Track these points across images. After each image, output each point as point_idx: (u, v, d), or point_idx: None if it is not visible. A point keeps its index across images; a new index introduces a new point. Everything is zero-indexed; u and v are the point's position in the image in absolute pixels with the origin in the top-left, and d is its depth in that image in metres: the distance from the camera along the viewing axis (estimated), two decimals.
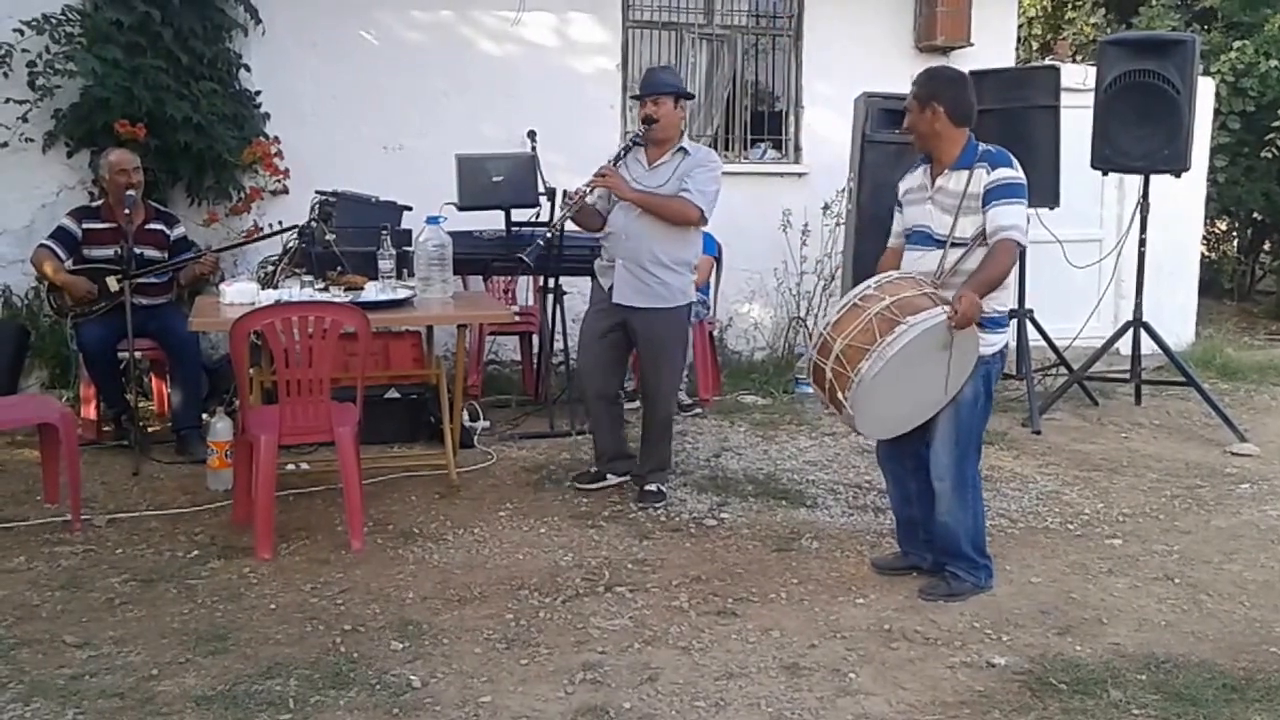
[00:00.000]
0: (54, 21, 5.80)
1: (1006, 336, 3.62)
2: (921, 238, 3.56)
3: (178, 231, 5.41)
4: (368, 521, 4.14)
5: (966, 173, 3.45)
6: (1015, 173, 3.44)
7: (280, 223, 5.51)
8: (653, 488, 4.54)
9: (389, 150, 6.63)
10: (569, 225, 4.61)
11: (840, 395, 3.32)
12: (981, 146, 3.51)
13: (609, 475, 4.71)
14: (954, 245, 3.45)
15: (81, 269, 5.11)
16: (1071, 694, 2.96)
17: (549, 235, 4.73)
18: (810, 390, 6.30)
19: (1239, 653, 3.23)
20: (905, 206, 3.66)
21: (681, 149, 4.42)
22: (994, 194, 3.40)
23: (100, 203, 5.31)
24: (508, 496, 4.62)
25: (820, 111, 7.48)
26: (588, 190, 4.39)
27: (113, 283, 5.05)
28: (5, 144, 5.89)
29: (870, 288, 3.35)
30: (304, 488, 4.64)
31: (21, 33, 5.74)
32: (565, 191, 4.69)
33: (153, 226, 5.28)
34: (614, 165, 4.42)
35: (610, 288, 4.48)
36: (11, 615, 3.36)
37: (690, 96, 4.50)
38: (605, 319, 4.54)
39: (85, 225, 5.18)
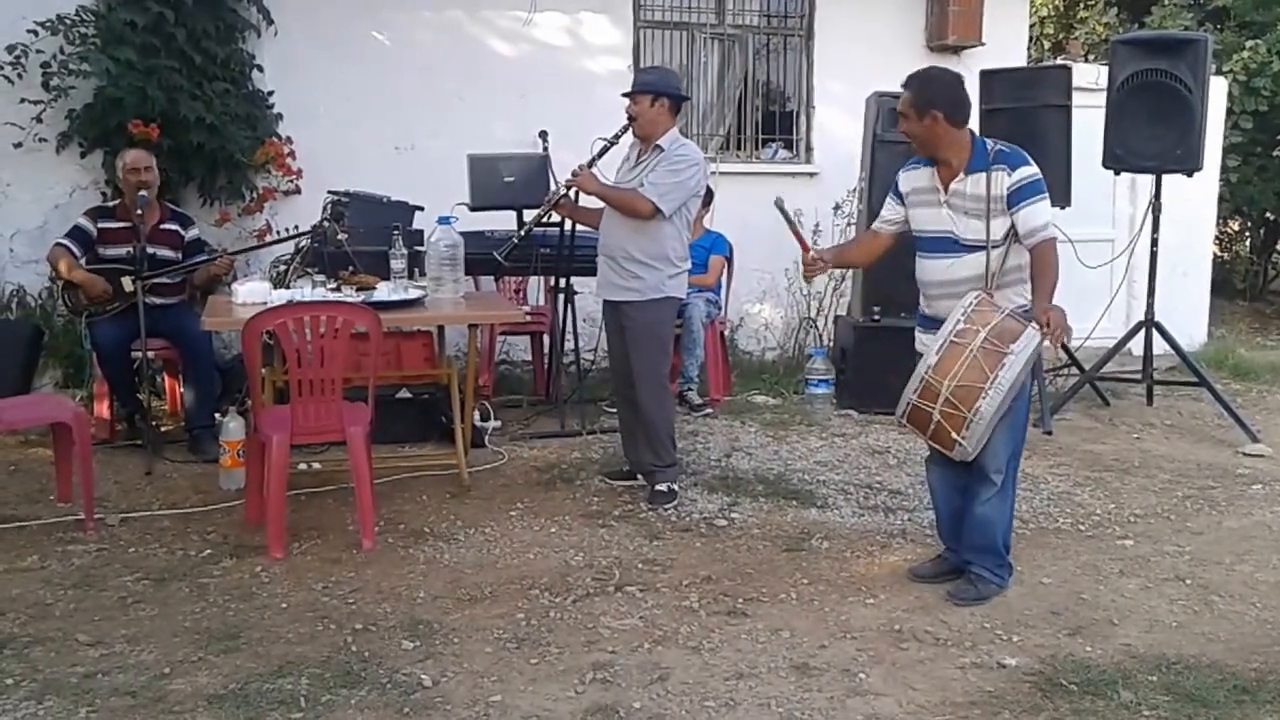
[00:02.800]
0: (68, 22, 5.82)
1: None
2: (947, 244, 3.51)
3: (192, 233, 5.44)
4: (379, 521, 4.15)
5: (984, 175, 3.43)
6: (1034, 170, 3.44)
7: (296, 227, 5.54)
8: (663, 487, 4.54)
9: (401, 150, 6.64)
10: (576, 225, 4.67)
11: (955, 435, 3.27)
12: (993, 146, 3.48)
13: (639, 475, 4.72)
14: (994, 248, 3.44)
15: (96, 268, 5.14)
16: (1082, 695, 2.95)
17: (520, 235, 4.82)
18: (821, 392, 6.38)
19: (1251, 654, 3.22)
20: (912, 206, 3.62)
21: (658, 146, 4.44)
22: (1019, 195, 3.39)
23: (116, 202, 5.35)
24: (518, 496, 4.63)
25: (831, 111, 7.48)
26: (564, 189, 4.56)
27: (128, 283, 5.08)
28: (19, 144, 5.92)
29: (960, 322, 3.29)
30: (316, 487, 4.66)
31: (36, 33, 5.77)
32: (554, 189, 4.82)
33: (168, 226, 5.31)
34: (589, 165, 4.50)
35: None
36: (25, 613, 3.38)
37: (674, 96, 4.49)
38: (608, 317, 4.65)
39: (100, 224, 5.21)
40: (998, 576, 3.63)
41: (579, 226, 5.22)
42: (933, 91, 3.48)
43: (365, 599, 3.54)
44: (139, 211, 5.04)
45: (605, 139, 4.58)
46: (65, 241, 5.17)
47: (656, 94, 4.42)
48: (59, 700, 2.84)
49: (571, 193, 4.63)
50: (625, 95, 4.51)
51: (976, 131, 3.59)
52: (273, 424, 4.01)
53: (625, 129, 4.52)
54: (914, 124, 3.49)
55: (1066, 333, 3.30)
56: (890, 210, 3.71)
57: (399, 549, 3.99)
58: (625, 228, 4.44)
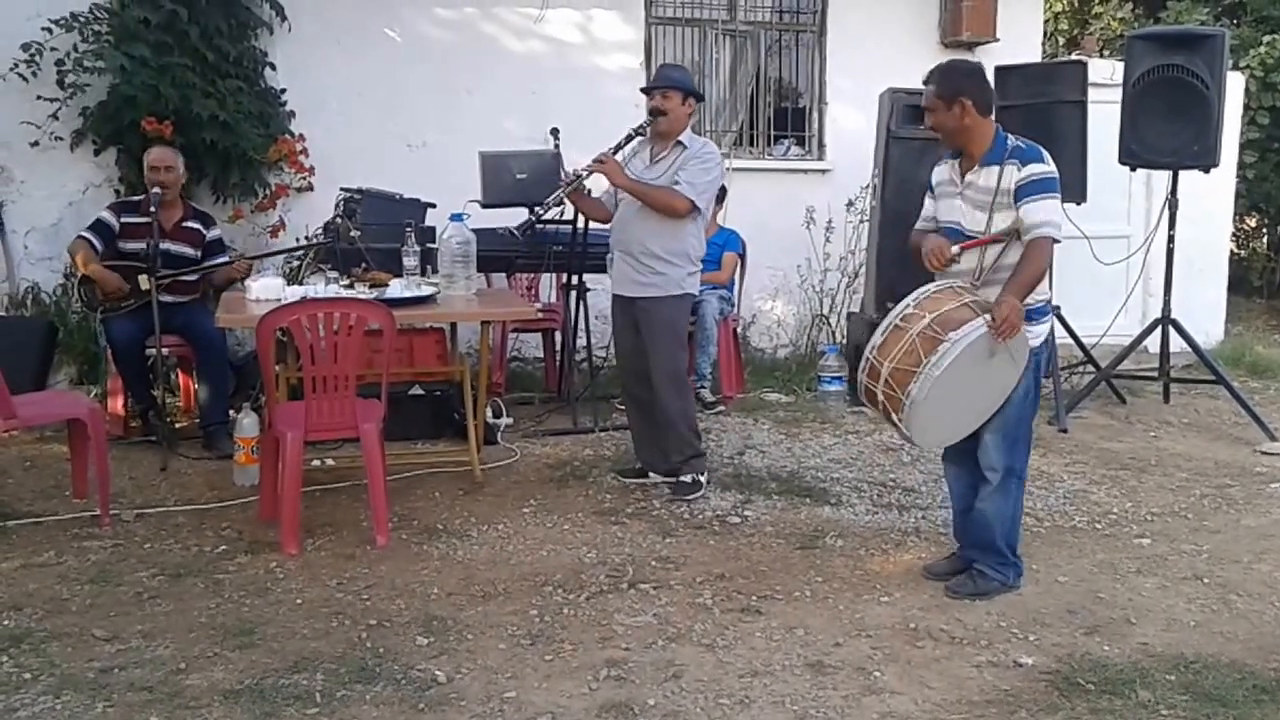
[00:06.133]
0: (82, 20, 5.85)
1: (1051, 324, 3.60)
2: (954, 235, 3.52)
3: (214, 233, 5.42)
4: (392, 517, 4.15)
5: (997, 168, 3.42)
6: (1047, 167, 3.41)
7: (308, 226, 5.53)
8: (688, 478, 4.53)
9: (413, 147, 6.65)
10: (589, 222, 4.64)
11: (894, 417, 3.32)
12: (1011, 141, 3.47)
13: (651, 473, 4.72)
14: (992, 242, 3.42)
15: (114, 263, 5.15)
16: (1099, 694, 2.93)
17: (539, 213, 4.71)
18: (834, 389, 6.36)
19: (1270, 654, 3.19)
20: (938, 199, 3.62)
21: (679, 143, 4.45)
22: (1026, 190, 3.36)
23: (141, 197, 5.36)
24: (531, 493, 4.63)
25: (844, 107, 7.46)
26: (585, 173, 4.50)
27: (144, 281, 5.08)
28: (35, 142, 5.95)
29: (910, 306, 3.31)
30: (329, 484, 4.67)
31: (50, 31, 5.80)
32: (565, 172, 4.81)
33: (189, 224, 5.31)
34: (613, 153, 4.46)
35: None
36: (42, 609, 3.40)
37: (700, 97, 4.53)
38: (621, 313, 4.62)
39: (124, 218, 5.22)
40: (1000, 574, 3.60)
41: (591, 224, 5.20)
42: (959, 80, 3.49)
43: (379, 595, 3.54)
44: (151, 209, 5.05)
45: (633, 130, 4.55)
46: (87, 234, 5.18)
47: (687, 92, 4.44)
48: (76, 695, 2.85)
49: (588, 181, 4.57)
50: (650, 90, 4.48)
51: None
52: (287, 420, 4.02)
53: (649, 123, 4.49)
54: (943, 115, 3.48)
55: (1010, 331, 3.23)
56: (927, 207, 3.71)
57: (412, 545, 3.99)
58: (649, 223, 4.41)
